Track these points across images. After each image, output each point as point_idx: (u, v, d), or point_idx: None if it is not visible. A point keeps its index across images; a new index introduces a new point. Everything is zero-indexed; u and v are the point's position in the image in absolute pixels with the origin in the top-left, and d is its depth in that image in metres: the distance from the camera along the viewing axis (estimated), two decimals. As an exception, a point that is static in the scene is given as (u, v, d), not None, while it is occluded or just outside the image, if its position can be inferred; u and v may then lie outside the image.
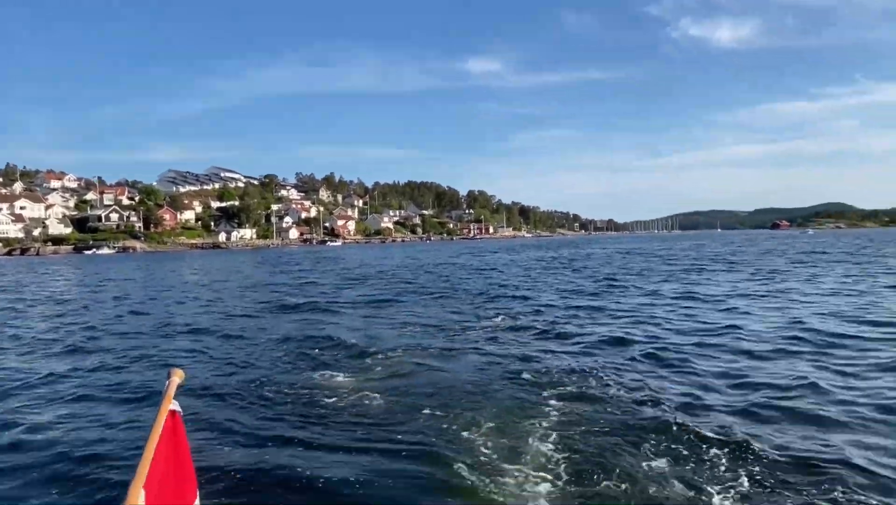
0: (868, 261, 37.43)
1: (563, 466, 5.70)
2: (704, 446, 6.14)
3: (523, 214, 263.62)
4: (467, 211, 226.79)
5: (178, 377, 2.08)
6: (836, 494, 5.08)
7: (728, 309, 16.85)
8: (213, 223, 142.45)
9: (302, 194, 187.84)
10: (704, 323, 14.33)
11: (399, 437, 6.63)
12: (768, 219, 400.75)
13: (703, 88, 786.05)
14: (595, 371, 9.49)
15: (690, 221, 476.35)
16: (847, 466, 5.57)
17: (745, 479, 5.38)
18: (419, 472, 5.73)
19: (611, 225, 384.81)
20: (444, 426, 6.94)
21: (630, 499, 5.06)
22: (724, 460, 5.80)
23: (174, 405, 1.93)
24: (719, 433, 6.44)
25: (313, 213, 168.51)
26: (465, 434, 6.65)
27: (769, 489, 5.21)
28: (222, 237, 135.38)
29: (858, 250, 53.09)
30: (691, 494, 5.13)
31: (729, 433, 6.45)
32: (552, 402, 7.80)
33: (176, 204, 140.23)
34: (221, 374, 10.12)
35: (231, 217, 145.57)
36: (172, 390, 1.97)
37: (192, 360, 11.50)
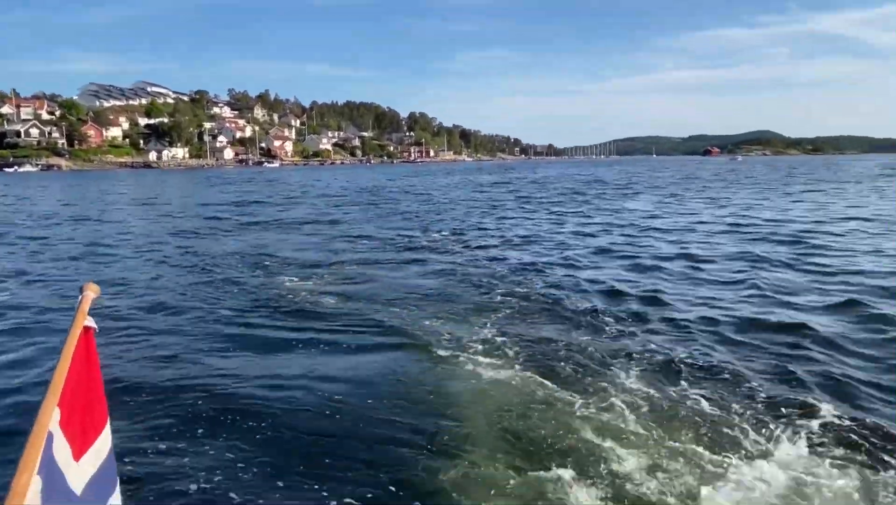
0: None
1: (508, 342, 7.01)
2: (612, 320, 7.68)
3: (464, 138, 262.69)
4: (408, 134, 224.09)
5: (92, 292, 1.95)
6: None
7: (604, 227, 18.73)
8: (141, 141, 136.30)
9: (235, 112, 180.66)
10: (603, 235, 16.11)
11: (356, 329, 7.73)
12: (701, 145, 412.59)
13: (645, 9, 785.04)
14: (523, 273, 11.00)
15: (627, 147, 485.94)
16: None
17: (633, 329, 6.91)
18: (387, 359, 6.66)
19: (550, 150, 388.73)
20: (403, 319, 8.12)
21: (562, 361, 6.37)
22: (615, 322, 7.33)
23: (89, 321, 1.83)
24: (619, 309, 8.00)
25: (248, 132, 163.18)
26: (433, 322, 7.88)
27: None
28: (153, 156, 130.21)
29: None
30: (604, 354, 6.56)
31: (623, 302, 8.02)
32: (497, 298, 9.22)
33: (101, 120, 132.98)
34: (163, 288, 10.49)
35: (161, 135, 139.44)
36: (86, 306, 1.87)
37: (141, 274, 11.98)
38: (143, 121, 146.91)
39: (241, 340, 7.45)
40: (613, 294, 9.58)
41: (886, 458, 4.37)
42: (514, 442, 4.65)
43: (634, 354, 6.56)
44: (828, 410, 5.13)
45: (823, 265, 11.88)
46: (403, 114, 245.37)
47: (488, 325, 7.78)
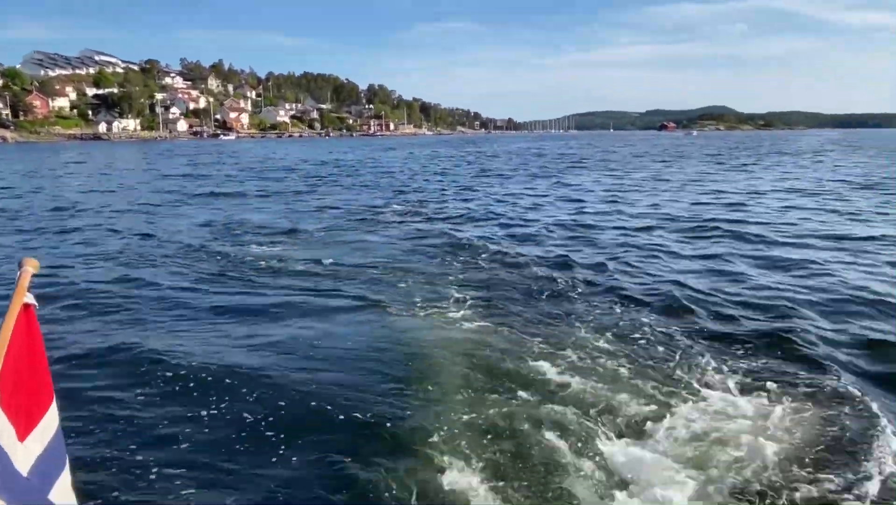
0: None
1: (469, 301, 7.69)
2: (562, 279, 8.44)
3: (424, 111, 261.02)
4: (367, 106, 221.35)
5: (31, 267, 1.87)
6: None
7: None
8: (90, 112, 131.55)
9: (189, 83, 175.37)
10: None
11: (325, 293, 8.25)
12: (658, 120, 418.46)
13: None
14: (481, 241, 11.72)
15: (586, 122, 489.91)
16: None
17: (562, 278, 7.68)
18: (357, 319, 7.12)
19: (510, 124, 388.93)
20: (379, 281, 8.73)
21: (516, 314, 7.12)
22: (548, 272, 8.11)
23: (28, 298, 1.75)
24: (545, 259, 8.77)
25: (202, 103, 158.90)
26: (401, 285, 8.52)
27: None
28: (103, 128, 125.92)
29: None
30: (555, 310, 7.30)
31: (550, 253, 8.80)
32: (455, 263, 9.95)
33: (46, 89, 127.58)
34: (123, 260, 10.50)
35: (111, 106, 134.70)
36: (26, 281, 1.79)
37: (100, 247, 11.95)
38: (91, 91, 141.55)
39: (204, 307, 7.57)
40: (561, 262, 10.35)
41: (805, 389, 5.24)
42: (482, 380, 5.23)
43: (580, 307, 7.37)
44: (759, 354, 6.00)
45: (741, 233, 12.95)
46: (362, 86, 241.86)
47: (450, 285, 8.45)
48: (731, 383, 5.22)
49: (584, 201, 19.02)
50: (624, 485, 3.86)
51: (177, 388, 5.18)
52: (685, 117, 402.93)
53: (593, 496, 3.75)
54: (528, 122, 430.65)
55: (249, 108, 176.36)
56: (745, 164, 38.51)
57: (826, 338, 6.33)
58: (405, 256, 10.63)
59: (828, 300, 7.76)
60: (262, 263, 10.00)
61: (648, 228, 13.47)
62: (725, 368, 5.52)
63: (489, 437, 4.34)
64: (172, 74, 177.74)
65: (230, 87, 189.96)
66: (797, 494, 3.68)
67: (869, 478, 3.81)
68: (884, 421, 4.47)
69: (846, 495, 3.66)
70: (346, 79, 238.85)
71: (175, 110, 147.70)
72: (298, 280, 8.90)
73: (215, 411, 4.76)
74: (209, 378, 5.30)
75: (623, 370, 5.47)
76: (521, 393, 4.99)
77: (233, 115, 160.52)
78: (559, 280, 8.79)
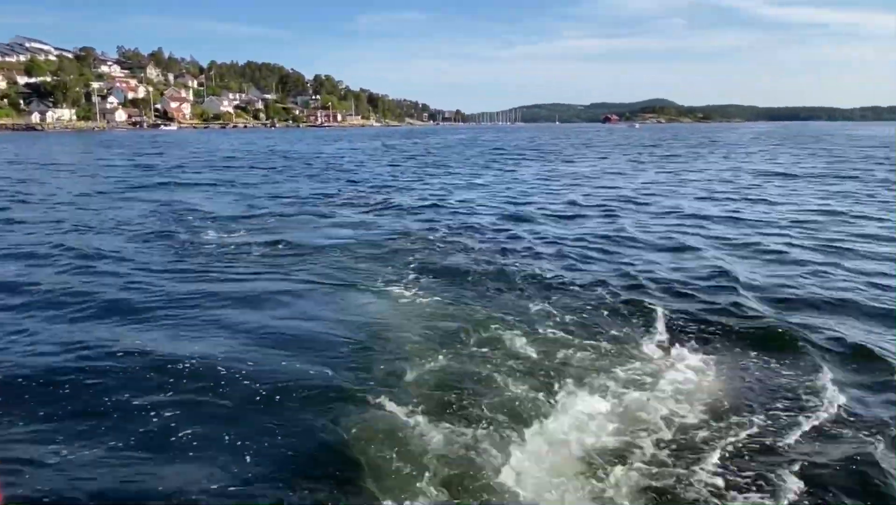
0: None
1: (421, 279, 8.41)
2: (503, 256, 9.35)
3: (372, 102, 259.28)
4: (314, 97, 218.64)
5: None
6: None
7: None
8: (21, 102, 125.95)
9: (126, 72, 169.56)
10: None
11: (282, 276, 8.78)
12: (601, 112, 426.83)
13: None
14: (430, 225, 12.57)
15: (532, 114, 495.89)
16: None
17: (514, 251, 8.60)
18: (316, 300, 7.56)
19: (458, 116, 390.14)
20: (334, 264, 9.22)
21: (463, 287, 7.87)
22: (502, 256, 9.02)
23: None
24: (491, 239, 9.71)
25: (141, 93, 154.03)
26: (361, 266, 9.15)
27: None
28: (35, 118, 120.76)
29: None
30: (500, 285, 8.18)
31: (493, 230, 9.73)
32: (407, 245, 10.68)
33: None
34: (68, 251, 10.30)
35: (44, 95, 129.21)
36: None
37: (44, 238, 11.89)
38: (22, 79, 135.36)
39: (160, 294, 7.65)
40: (503, 244, 11.29)
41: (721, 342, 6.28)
42: (436, 345, 5.88)
43: (517, 277, 8.34)
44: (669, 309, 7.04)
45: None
46: (309, 76, 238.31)
47: (402, 266, 9.09)
48: (652, 345, 6.10)
49: (524, 189, 20.08)
50: (563, 435, 4.34)
51: (132, 375, 5.20)
52: (628, 110, 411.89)
53: (537, 441, 4.24)
54: (476, 114, 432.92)
55: (191, 97, 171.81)
56: (672, 155, 40.53)
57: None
58: (358, 240, 11.13)
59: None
60: (218, 249, 10.36)
61: (575, 216, 14.57)
62: (653, 330, 6.43)
63: (446, 391, 4.91)
64: (109, 63, 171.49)
65: (170, 76, 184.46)
66: (729, 440, 4.30)
67: (795, 424, 4.48)
68: (825, 373, 5.34)
69: (773, 441, 4.27)
70: (292, 69, 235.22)
71: (113, 100, 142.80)
72: (254, 265, 9.27)
73: (181, 397, 4.81)
74: (169, 365, 5.34)
75: (562, 333, 6.23)
76: (474, 353, 5.68)
77: (174, 104, 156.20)
78: (501, 260, 9.63)
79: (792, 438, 4.36)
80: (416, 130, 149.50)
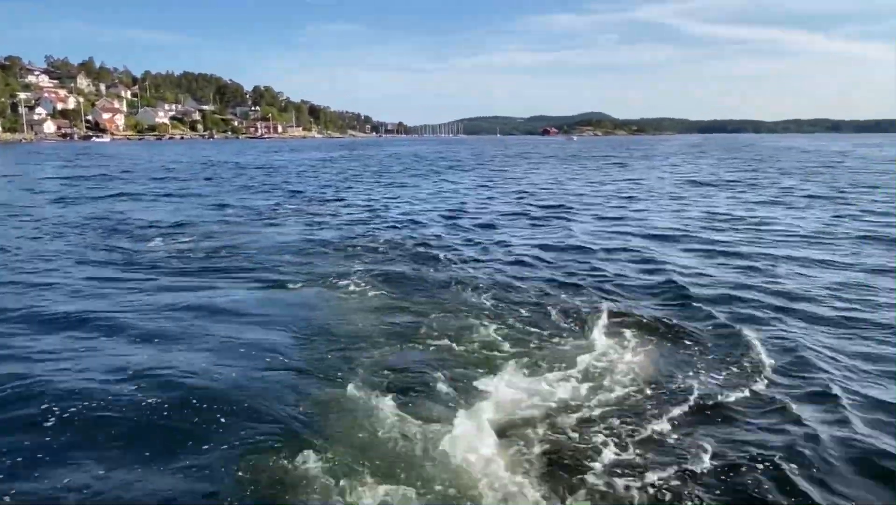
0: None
1: (365, 276, 9.31)
2: (440, 252, 10.50)
3: (314, 114, 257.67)
4: (253, 108, 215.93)
5: None
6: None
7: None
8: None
9: (55, 82, 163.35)
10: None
11: (231, 279, 9.55)
12: (541, 125, 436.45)
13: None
14: (370, 229, 13.68)
15: (474, 126, 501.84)
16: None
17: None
18: (265, 301, 8.17)
19: (401, 128, 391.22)
20: (279, 268, 9.84)
21: (404, 282, 8.79)
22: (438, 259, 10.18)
23: None
24: (428, 242, 10.88)
25: (72, 104, 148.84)
26: (311, 265, 9.98)
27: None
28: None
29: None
30: (439, 278, 9.30)
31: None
32: (350, 249, 11.68)
33: None
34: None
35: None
36: None
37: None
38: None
39: (104, 303, 7.77)
40: (439, 242, 12.49)
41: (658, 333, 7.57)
42: (384, 339, 6.43)
43: (455, 278, 9.48)
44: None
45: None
46: (248, 87, 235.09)
47: (345, 266, 9.85)
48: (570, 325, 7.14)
49: (460, 196, 21.43)
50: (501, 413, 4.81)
51: (74, 388, 5.12)
52: (566, 123, 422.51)
53: (473, 418, 4.64)
54: (418, 126, 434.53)
55: (125, 108, 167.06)
56: (591, 166, 42.86)
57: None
58: (302, 247, 11.69)
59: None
60: (163, 258, 10.67)
61: (515, 214, 15.96)
62: (581, 318, 7.18)
63: (392, 379, 5.41)
64: (37, 72, 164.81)
65: (102, 87, 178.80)
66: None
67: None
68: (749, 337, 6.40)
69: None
70: (231, 79, 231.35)
71: (41, 111, 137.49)
72: (200, 273, 9.57)
73: (129, 405, 4.86)
74: (118, 375, 5.37)
75: (497, 325, 6.89)
76: (420, 342, 6.32)
77: (106, 116, 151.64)
78: (438, 257, 10.64)
79: (707, 421, 4.83)
80: (357, 142, 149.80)
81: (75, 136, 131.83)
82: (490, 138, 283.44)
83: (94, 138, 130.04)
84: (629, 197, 21.58)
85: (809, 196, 21.08)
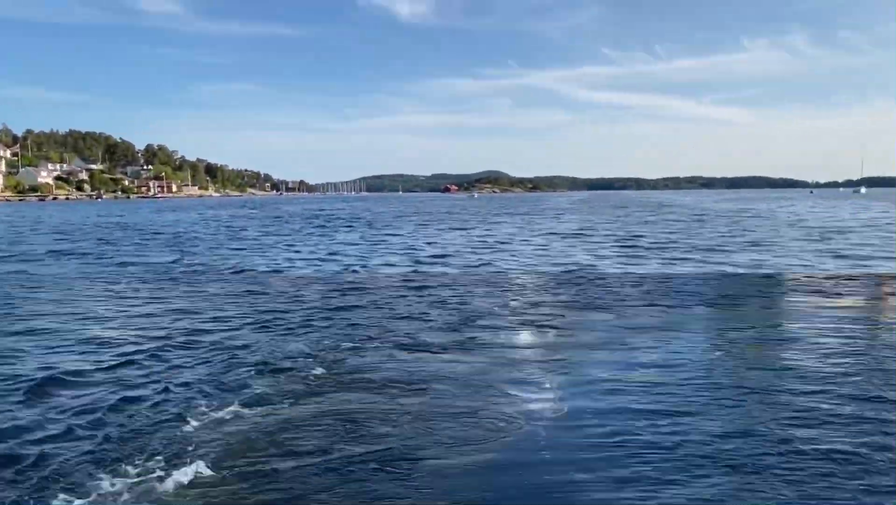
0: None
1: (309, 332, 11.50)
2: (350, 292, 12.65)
3: (210, 172, 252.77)
4: (146, 167, 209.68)
5: None
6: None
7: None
8: None
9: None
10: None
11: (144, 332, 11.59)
12: (443, 182, 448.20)
13: (386, 59, 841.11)
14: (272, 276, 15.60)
15: (377, 184, 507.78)
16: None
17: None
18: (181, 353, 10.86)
19: (303, 186, 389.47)
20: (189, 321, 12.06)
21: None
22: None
23: None
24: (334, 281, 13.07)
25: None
26: (211, 320, 12.03)
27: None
28: None
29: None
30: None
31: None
32: (256, 298, 13.62)
33: None
34: None
35: None
36: None
37: None
38: None
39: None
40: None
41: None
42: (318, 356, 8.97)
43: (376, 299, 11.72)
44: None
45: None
46: (140, 145, 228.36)
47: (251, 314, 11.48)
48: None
49: (347, 250, 23.70)
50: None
51: None
52: (466, 180, 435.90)
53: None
54: (320, 183, 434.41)
55: (4, 168, 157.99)
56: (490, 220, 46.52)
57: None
58: (208, 299, 12.90)
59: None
60: (63, 316, 11.13)
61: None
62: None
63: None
64: None
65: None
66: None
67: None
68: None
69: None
70: (121, 138, 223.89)
71: None
72: (103, 331, 9.97)
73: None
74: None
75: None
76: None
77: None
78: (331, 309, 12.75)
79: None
80: (256, 201, 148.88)
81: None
82: (393, 195, 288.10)
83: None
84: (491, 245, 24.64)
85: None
